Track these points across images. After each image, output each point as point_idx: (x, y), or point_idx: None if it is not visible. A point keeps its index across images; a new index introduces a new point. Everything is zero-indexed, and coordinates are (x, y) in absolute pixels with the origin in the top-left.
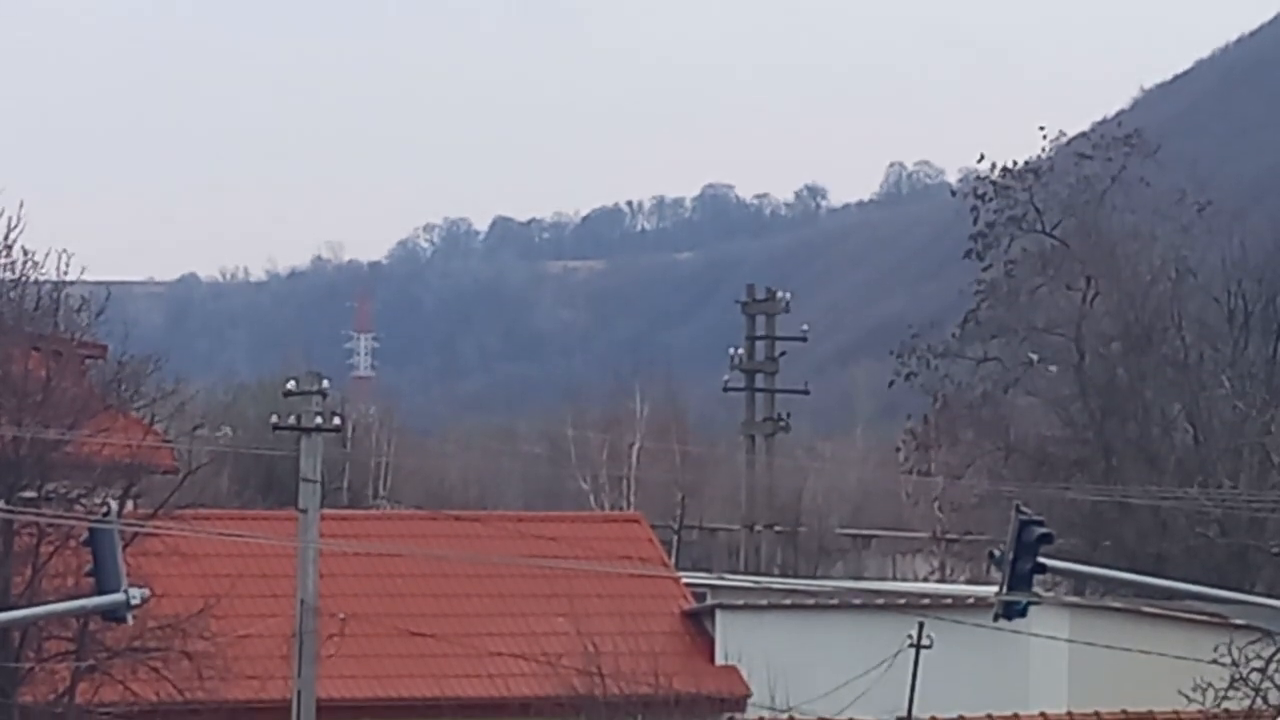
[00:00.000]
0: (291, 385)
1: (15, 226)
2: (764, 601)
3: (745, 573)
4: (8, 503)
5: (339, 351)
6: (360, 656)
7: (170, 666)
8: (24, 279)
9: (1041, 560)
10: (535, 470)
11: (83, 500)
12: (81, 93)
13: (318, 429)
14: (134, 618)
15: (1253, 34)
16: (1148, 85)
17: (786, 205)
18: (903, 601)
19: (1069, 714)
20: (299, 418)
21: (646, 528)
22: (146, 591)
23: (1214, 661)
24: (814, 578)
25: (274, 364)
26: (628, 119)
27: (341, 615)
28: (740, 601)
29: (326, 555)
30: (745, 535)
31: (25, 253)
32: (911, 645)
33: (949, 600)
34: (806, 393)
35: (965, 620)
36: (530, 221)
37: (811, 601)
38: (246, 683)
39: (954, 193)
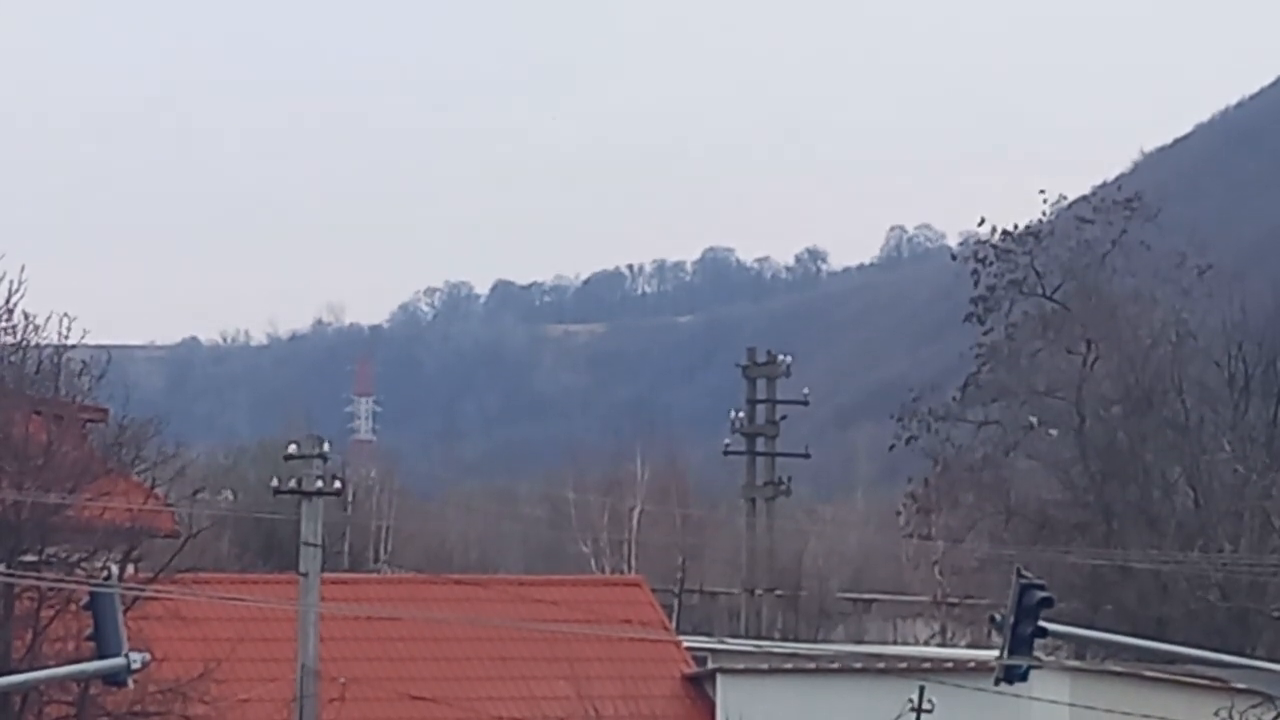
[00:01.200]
0: (292, 449)
1: (17, 291)
2: (765, 665)
3: (746, 636)
4: (9, 566)
5: (340, 415)
6: None
7: None
8: (25, 343)
9: (1043, 624)
10: (536, 533)
11: (83, 564)
12: (83, 157)
13: (318, 492)
14: (135, 682)
15: (1252, 97)
16: (1148, 149)
17: (787, 269)
18: (904, 665)
19: None
20: (300, 481)
21: (647, 591)
22: (147, 655)
23: None
24: (815, 641)
25: (275, 427)
26: (628, 183)
27: (342, 679)
28: (741, 665)
29: (327, 619)
30: (746, 599)
31: (27, 317)
32: (913, 709)
33: (950, 664)
34: (807, 456)
35: (966, 684)
36: (531, 285)
37: (813, 665)
38: None
39: (954, 256)
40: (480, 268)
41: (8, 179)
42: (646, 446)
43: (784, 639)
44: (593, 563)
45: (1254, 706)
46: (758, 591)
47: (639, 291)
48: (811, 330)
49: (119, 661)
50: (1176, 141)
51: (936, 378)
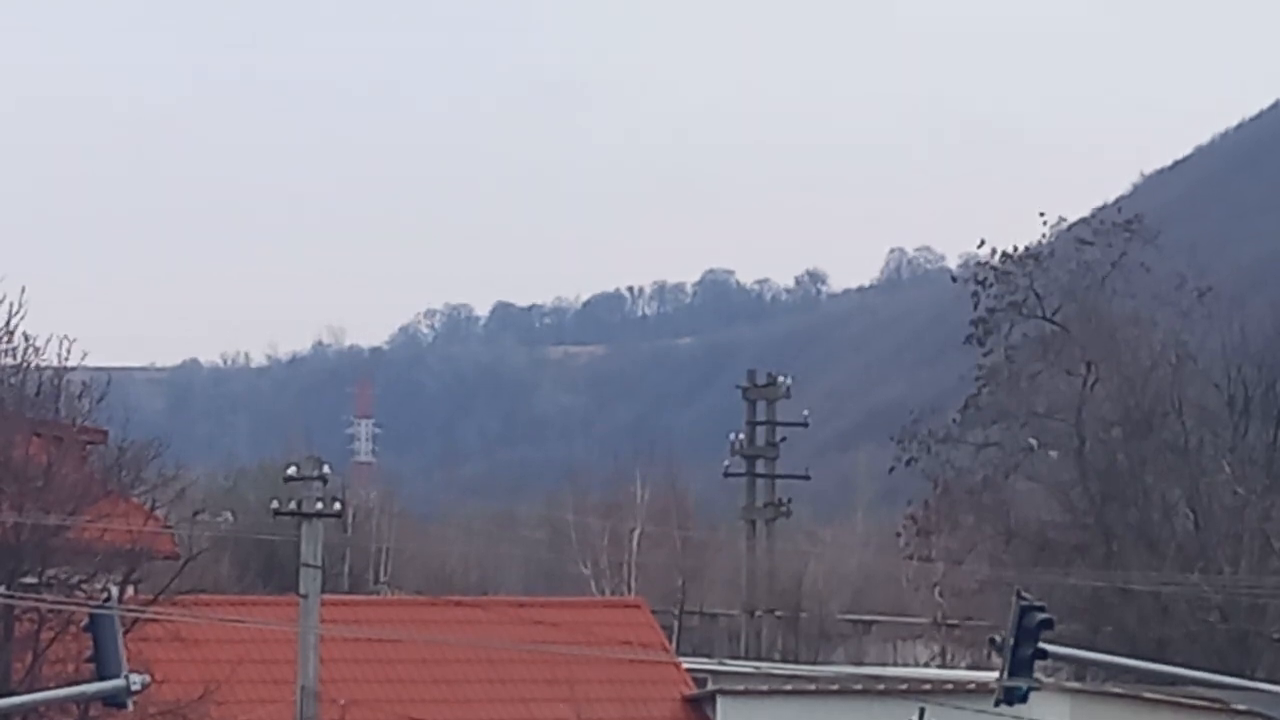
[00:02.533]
0: (292, 470)
1: (17, 313)
2: (765, 687)
3: (746, 658)
4: (8, 588)
5: (340, 437)
6: None
7: None
8: (25, 365)
9: (1042, 646)
10: (536, 555)
11: (83, 586)
12: (82, 179)
13: (318, 514)
14: (135, 704)
15: (1252, 120)
16: (1148, 171)
17: (787, 291)
18: (904, 687)
19: None
20: (300, 503)
21: (647, 613)
22: (147, 677)
23: None
24: (815, 663)
25: (275, 449)
26: (628, 204)
27: (342, 701)
28: (741, 687)
29: (327, 640)
30: (746, 620)
31: (27, 339)
32: None
33: (950, 685)
34: (807, 478)
35: (966, 706)
36: (531, 307)
37: (813, 686)
38: None
39: (954, 278)
40: (480, 290)
41: (6, 201)
42: (646, 468)
43: (784, 660)
44: (593, 584)
45: None
46: (758, 613)
47: (639, 313)
48: (811, 352)
49: (119, 683)
50: (1176, 164)
51: (936, 399)
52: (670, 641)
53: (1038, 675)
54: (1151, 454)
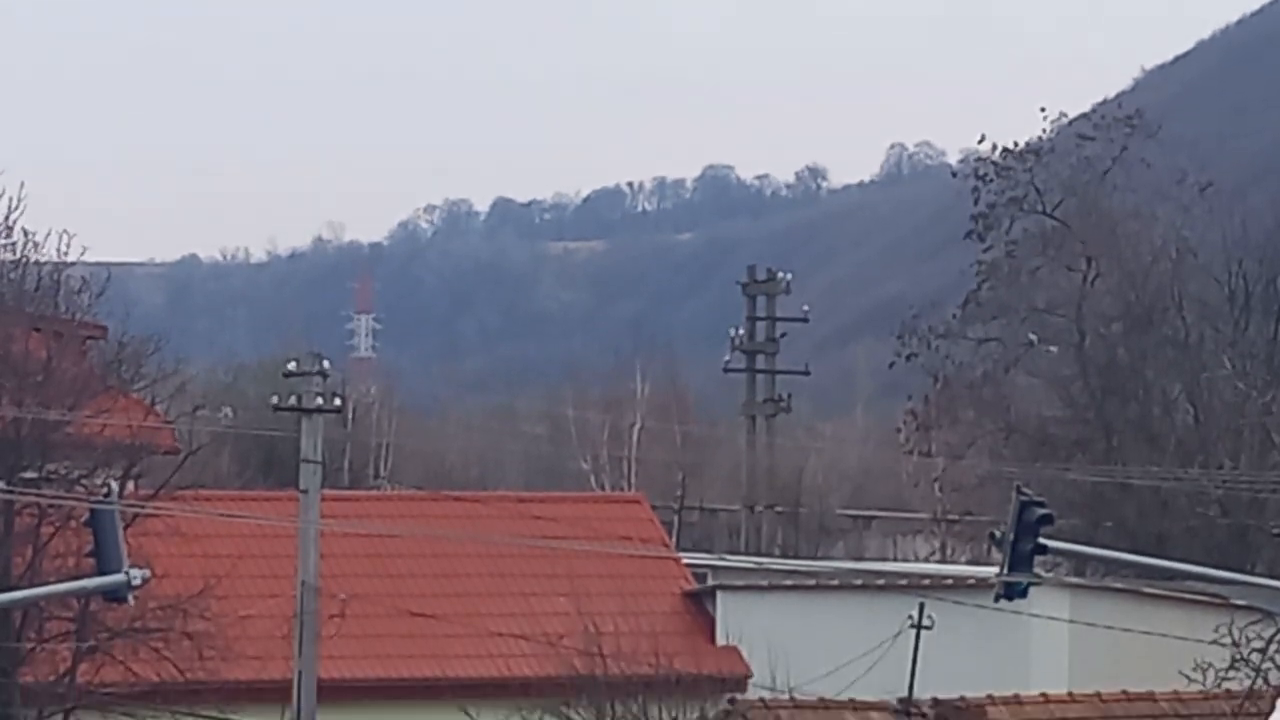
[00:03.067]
0: (292, 366)
1: (16, 208)
2: (764, 582)
3: (746, 553)
4: (8, 483)
5: (339, 332)
6: (361, 637)
7: (171, 647)
8: (25, 260)
9: (1042, 541)
10: (536, 450)
11: (84, 481)
12: (82, 75)
13: (318, 410)
14: (135, 598)
15: (1254, 14)
16: (1148, 66)
17: (787, 186)
18: (903, 582)
19: (1070, 694)
20: (300, 398)
21: (647, 508)
22: (147, 572)
23: (1214, 642)
24: (814, 558)
25: (274, 345)
26: (629, 100)
27: (342, 596)
28: (741, 582)
29: (327, 536)
30: (746, 516)
31: (26, 234)
32: (912, 626)
33: (950, 581)
34: (807, 373)
35: (966, 601)
36: (531, 202)
37: (812, 582)
38: (247, 663)
39: (955, 174)
40: (480, 185)
41: (7, 95)
42: (646, 364)
43: (784, 556)
44: (593, 480)
45: (1253, 623)
46: (758, 508)
47: (639, 209)
48: (811, 247)
49: (119, 578)
50: (1177, 59)
51: (937, 295)
52: (670, 537)
53: (1037, 570)
54: (1152, 349)
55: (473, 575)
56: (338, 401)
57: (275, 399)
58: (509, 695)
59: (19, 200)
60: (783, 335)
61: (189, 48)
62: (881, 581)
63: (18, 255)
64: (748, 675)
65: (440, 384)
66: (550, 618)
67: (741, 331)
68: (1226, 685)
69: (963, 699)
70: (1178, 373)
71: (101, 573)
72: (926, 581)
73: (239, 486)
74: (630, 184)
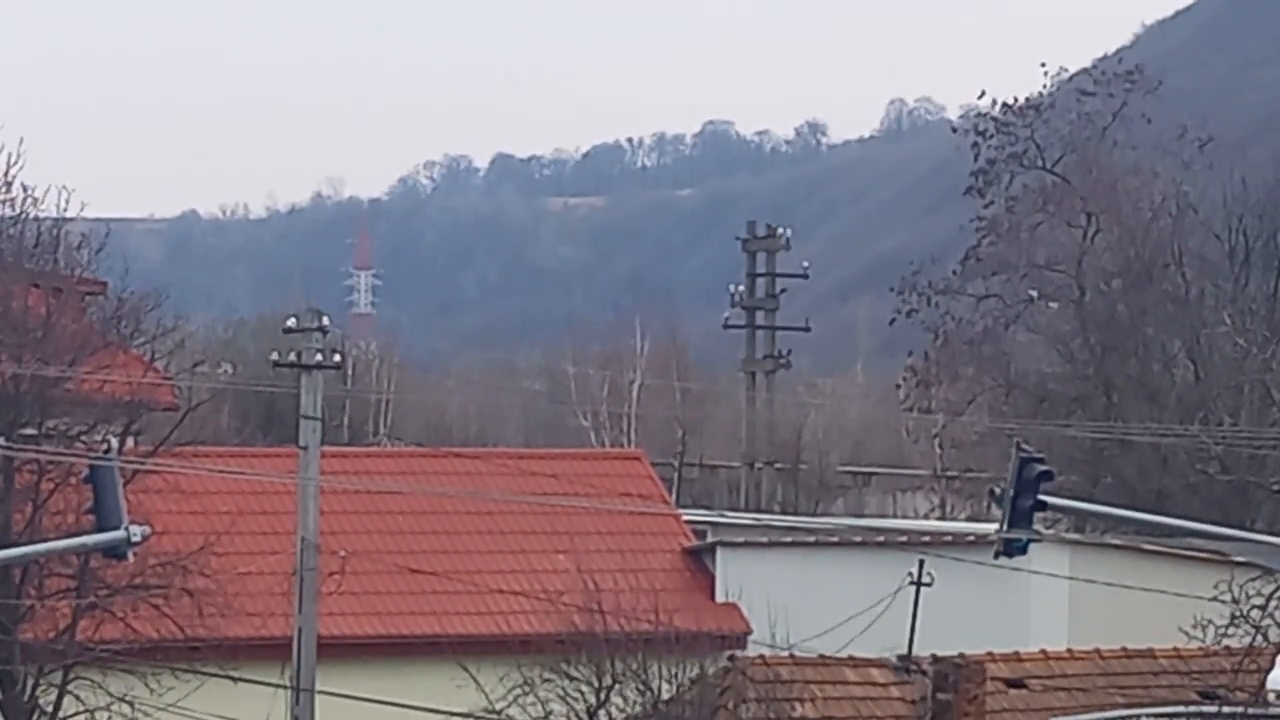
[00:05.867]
0: (292, 322)
1: (16, 162)
2: (764, 539)
3: (746, 510)
4: (8, 440)
5: (339, 288)
6: (361, 594)
7: (171, 604)
8: (24, 215)
9: (1042, 497)
10: (535, 406)
11: (83, 437)
12: (81, 28)
13: (318, 366)
14: (135, 555)
15: None
16: (1149, 21)
17: (787, 142)
18: (903, 539)
19: (1069, 651)
20: (299, 355)
21: (647, 465)
22: (147, 529)
23: (1214, 599)
24: (814, 515)
25: (274, 301)
26: (628, 55)
27: (342, 552)
28: (741, 539)
29: (327, 492)
30: (746, 472)
31: (25, 189)
32: (912, 583)
33: (949, 538)
34: (807, 329)
35: (966, 558)
36: (530, 158)
37: (812, 539)
38: (247, 620)
39: (955, 129)
40: (480, 141)
41: (6, 48)
42: (646, 319)
43: (783, 512)
44: (592, 436)
45: (1253, 579)
46: (757, 465)
47: (639, 165)
48: (811, 203)
49: (119, 534)
50: (1178, 14)
51: (936, 251)
52: (670, 493)
53: (1037, 527)
54: (1152, 305)
55: (472, 532)
56: (337, 358)
57: (275, 355)
58: (508, 652)
59: (19, 155)
60: (783, 291)
61: (189, 4)
62: (881, 538)
63: (17, 211)
64: (747, 632)
65: (440, 340)
66: (550, 574)
67: (741, 287)
68: (1226, 642)
69: (962, 656)
70: (1178, 329)
71: (101, 529)
72: (926, 538)
73: (238, 443)
74: (630, 140)
